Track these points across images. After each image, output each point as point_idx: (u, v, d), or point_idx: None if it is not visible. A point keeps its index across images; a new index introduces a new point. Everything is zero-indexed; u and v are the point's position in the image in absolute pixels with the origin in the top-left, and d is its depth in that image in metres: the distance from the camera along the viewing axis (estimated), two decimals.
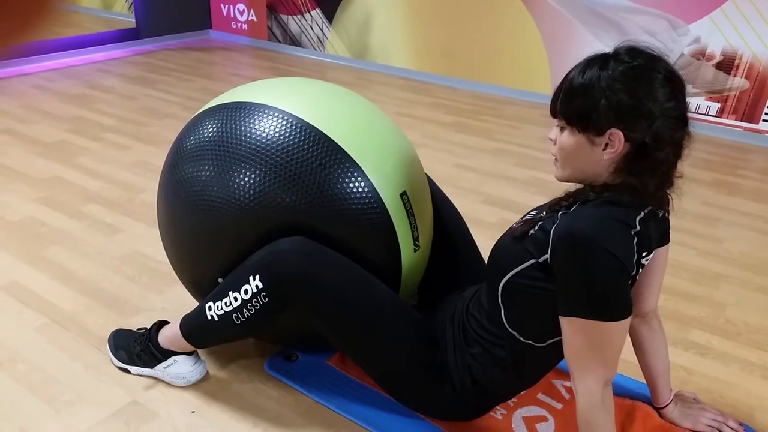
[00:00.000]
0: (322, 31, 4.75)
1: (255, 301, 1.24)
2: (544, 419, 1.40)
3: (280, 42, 5.00)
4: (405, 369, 1.30)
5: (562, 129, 1.12)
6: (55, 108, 3.34)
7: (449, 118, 3.52)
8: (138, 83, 3.88)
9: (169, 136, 3.03)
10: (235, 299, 1.25)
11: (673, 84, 1.05)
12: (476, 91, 4.07)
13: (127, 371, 1.47)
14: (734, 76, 3.26)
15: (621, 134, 1.04)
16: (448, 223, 1.57)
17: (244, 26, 5.13)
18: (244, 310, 1.25)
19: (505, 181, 2.71)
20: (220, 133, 1.34)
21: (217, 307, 1.28)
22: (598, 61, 1.07)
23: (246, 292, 1.24)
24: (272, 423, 1.36)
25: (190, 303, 1.71)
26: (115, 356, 1.48)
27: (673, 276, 1.99)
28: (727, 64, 3.26)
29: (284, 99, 1.37)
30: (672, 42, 3.34)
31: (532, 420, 1.39)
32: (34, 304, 1.71)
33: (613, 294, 1.05)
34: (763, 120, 3.25)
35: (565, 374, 1.50)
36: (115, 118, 3.22)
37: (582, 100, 1.06)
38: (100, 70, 4.12)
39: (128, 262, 1.94)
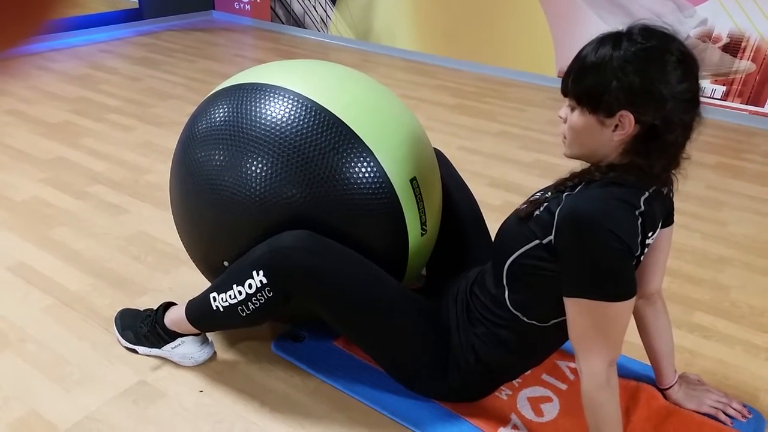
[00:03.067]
0: (325, 11, 4.71)
1: (260, 295, 1.24)
2: (548, 400, 1.41)
3: (283, 23, 4.96)
4: (412, 358, 1.31)
5: (572, 108, 1.10)
6: (58, 89, 3.33)
7: (453, 100, 3.50)
8: (142, 64, 3.86)
9: (174, 117, 3.02)
10: (240, 293, 1.25)
11: (686, 65, 1.04)
12: (481, 74, 4.04)
13: (135, 351, 1.48)
14: (740, 59, 3.23)
15: (631, 116, 1.03)
16: (459, 204, 1.57)
17: (247, 7, 5.09)
18: (249, 303, 1.25)
19: (509, 163, 2.71)
20: (232, 115, 1.34)
21: (222, 298, 1.29)
22: (611, 40, 1.05)
23: (250, 286, 1.24)
24: (279, 403, 1.37)
25: (197, 284, 1.72)
26: (122, 336, 1.49)
27: (677, 259, 1.99)
28: (733, 47, 3.23)
29: (297, 81, 1.36)
30: (678, 24, 3.31)
31: (536, 400, 1.40)
32: (41, 285, 1.72)
33: (617, 275, 1.05)
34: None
35: (570, 356, 1.51)
36: (120, 99, 3.21)
37: (593, 81, 1.04)
38: (103, 51, 4.10)
39: (134, 243, 1.95)
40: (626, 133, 1.05)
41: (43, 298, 1.67)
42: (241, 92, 1.38)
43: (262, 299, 1.24)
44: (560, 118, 1.14)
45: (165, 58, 4.00)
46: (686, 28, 3.30)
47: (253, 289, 1.23)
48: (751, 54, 3.20)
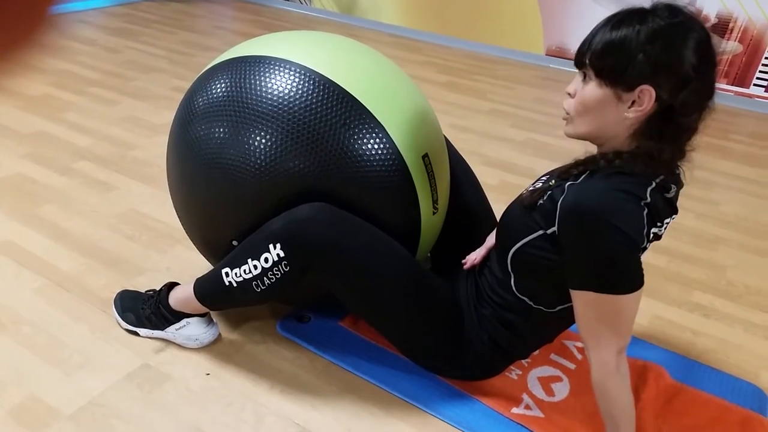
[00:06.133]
0: None
1: (276, 270, 1.20)
2: (558, 379, 1.41)
3: None
4: (427, 334, 1.29)
5: (586, 81, 1.06)
6: (36, 60, 3.18)
7: (443, 77, 3.46)
8: (120, 35, 3.72)
9: (156, 90, 2.92)
10: (255, 267, 1.22)
11: (709, 48, 1.02)
12: (468, 50, 4.00)
13: (136, 333, 1.44)
14: (728, 40, 3.25)
15: (653, 92, 1.00)
16: (463, 183, 1.55)
17: None
18: (264, 278, 1.22)
19: (502, 142, 2.69)
20: (235, 89, 1.28)
21: (236, 273, 1.25)
22: (636, 15, 1.02)
23: (266, 260, 1.20)
24: (289, 384, 1.35)
25: (196, 263, 1.68)
26: (122, 318, 1.44)
27: (673, 239, 2.01)
28: (721, 28, 3.25)
29: (302, 53, 1.31)
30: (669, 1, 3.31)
31: (546, 380, 1.40)
32: (31, 265, 1.66)
33: (622, 268, 1.03)
34: (755, 84, 3.27)
35: (577, 336, 1.51)
36: (100, 72, 3.09)
37: (618, 52, 1.01)
38: (80, 21, 3.94)
39: (126, 221, 1.88)
40: (643, 110, 1.02)
41: (34, 279, 1.61)
42: (243, 65, 1.32)
43: (278, 273, 1.21)
44: (568, 94, 1.11)
45: (143, 29, 3.86)
46: None
47: (270, 263, 1.20)
48: (739, 35, 3.22)
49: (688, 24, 1.00)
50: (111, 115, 2.62)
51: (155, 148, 2.35)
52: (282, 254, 1.19)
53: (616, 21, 1.03)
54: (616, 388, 1.09)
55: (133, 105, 2.74)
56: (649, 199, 1.03)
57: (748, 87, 3.28)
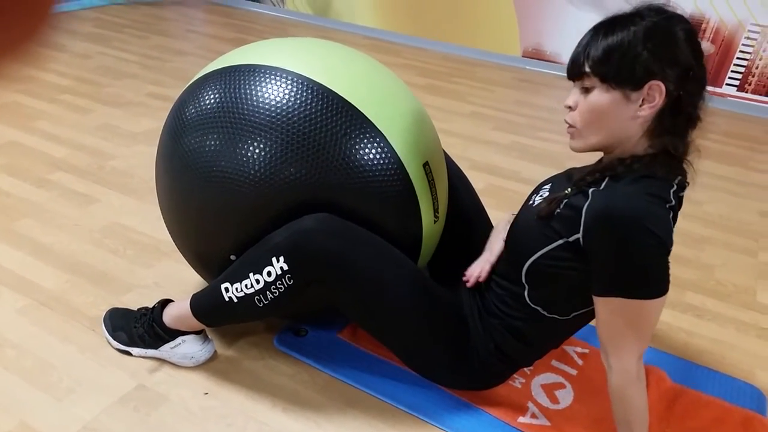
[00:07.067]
0: None
1: (279, 284, 1.17)
2: (562, 386, 1.40)
3: None
4: (433, 345, 1.27)
5: (586, 91, 1.06)
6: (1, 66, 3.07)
7: (422, 80, 3.45)
8: (90, 40, 3.62)
9: (131, 97, 2.85)
10: (257, 281, 1.18)
11: (697, 38, 1.05)
12: (446, 52, 4.00)
13: (128, 353, 1.38)
14: (700, 40, 3.31)
15: (662, 86, 1.00)
16: (460, 191, 1.53)
17: None
18: (267, 292, 1.18)
19: (486, 145, 2.69)
20: (229, 99, 1.24)
21: (236, 288, 1.21)
22: (625, 18, 1.04)
23: (269, 274, 1.17)
24: (290, 401, 1.31)
25: (185, 278, 1.63)
26: (113, 338, 1.39)
27: None
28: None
29: (296, 61, 1.28)
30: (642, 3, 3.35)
31: (550, 387, 1.40)
32: (11, 284, 1.59)
33: (654, 272, 1.03)
34: (727, 84, 3.34)
35: (576, 340, 1.51)
36: (71, 78, 3.00)
37: (621, 54, 1.01)
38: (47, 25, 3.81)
39: (109, 235, 1.82)
40: (655, 106, 1.02)
41: (16, 298, 1.54)
42: (237, 74, 1.29)
43: (282, 287, 1.17)
44: (569, 107, 1.10)
45: (114, 34, 3.76)
46: None
47: (273, 277, 1.17)
48: (711, 35, 3.28)
49: (676, 18, 1.04)
50: (85, 123, 2.53)
51: (135, 158, 2.28)
52: (286, 267, 1.16)
53: (607, 27, 1.05)
54: (636, 395, 1.09)
55: (107, 112, 2.66)
56: (673, 202, 1.04)
57: (720, 86, 3.35)
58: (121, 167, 2.21)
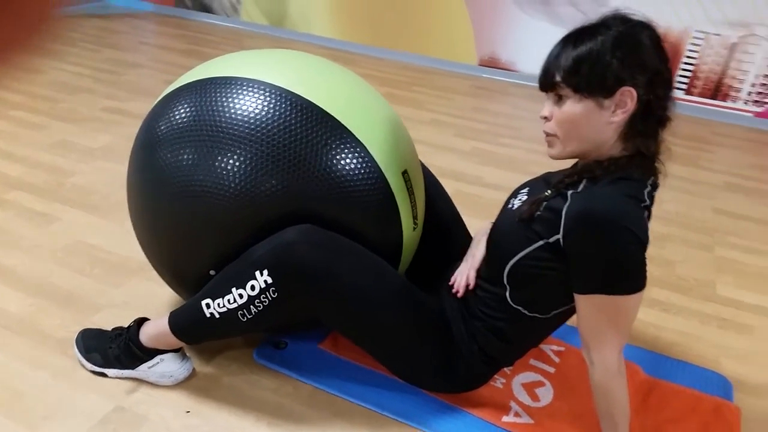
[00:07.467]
0: None
1: (263, 297, 1.16)
2: (541, 384, 1.43)
3: (189, 8, 4.70)
4: (417, 349, 1.28)
5: (560, 101, 1.10)
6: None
7: (382, 89, 3.47)
8: (41, 54, 3.50)
9: (86, 112, 2.77)
10: (240, 296, 1.17)
11: (662, 42, 1.09)
12: (403, 62, 4.04)
13: (104, 375, 1.34)
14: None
15: (633, 91, 1.05)
16: (435, 198, 1.55)
17: None
18: (251, 306, 1.17)
19: (449, 152, 2.73)
20: (206, 112, 1.23)
21: (218, 304, 1.19)
22: (592, 29, 1.08)
23: (253, 288, 1.16)
24: (275, 415, 1.30)
25: (158, 295, 1.60)
26: (87, 359, 1.35)
27: None
28: None
29: (271, 72, 1.27)
30: (593, 13, 3.46)
31: (530, 386, 1.42)
32: None
33: (633, 269, 1.06)
34: (676, 88, 3.48)
35: (552, 340, 1.54)
36: (23, 94, 2.89)
37: (591, 63, 1.05)
38: None
39: (73, 254, 1.76)
40: (628, 111, 1.06)
41: None
42: (212, 87, 1.27)
43: (266, 301, 1.16)
44: (544, 118, 1.14)
45: (66, 48, 3.66)
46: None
47: (256, 291, 1.16)
48: None
49: (641, 25, 1.08)
50: (41, 140, 2.45)
51: (95, 174, 2.22)
52: (270, 280, 1.15)
53: (575, 38, 1.08)
54: (617, 388, 1.12)
55: (63, 128, 2.58)
56: (647, 201, 1.09)
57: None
58: (81, 184, 2.15)
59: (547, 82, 1.12)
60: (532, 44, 3.55)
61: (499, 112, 3.33)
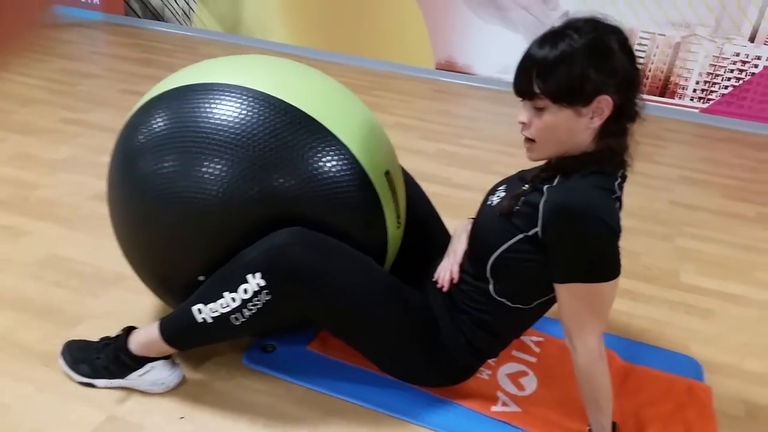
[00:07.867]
0: (187, 3, 4.47)
1: (256, 300, 1.17)
2: (525, 374, 1.49)
3: (139, 17, 4.62)
4: (407, 346, 1.31)
5: (540, 110, 1.13)
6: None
7: None
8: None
9: (43, 123, 2.70)
10: (233, 300, 1.18)
11: (629, 43, 1.13)
12: (362, 66, 4.08)
13: (92, 385, 1.32)
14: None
15: (609, 99, 1.10)
16: (413, 197, 1.59)
17: (96, 0, 4.66)
18: (244, 310, 1.18)
19: (416, 155, 2.77)
20: (187, 119, 1.23)
21: (210, 309, 1.20)
22: (561, 35, 1.10)
23: (245, 291, 1.17)
24: (269, 417, 1.30)
25: (138, 305, 1.59)
26: (74, 371, 1.32)
27: None
28: None
29: (250, 78, 1.28)
30: (544, 16, 3.59)
31: (515, 376, 1.47)
32: None
33: (608, 257, 1.12)
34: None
35: (532, 331, 1.59)
36: None
37: (567, 75, 1.08)
38: None
39: (47, 267, 1.72)
40: (604, 116, 1.12)
41: None
42: (191, 94, 1.28)
43: (258, 303, 1.17)
44: (522, 123, 1.17)
45: (14, 58, 3.54)
46: (551, 20, 3.58)
47: (249, 294, 1.17)
48: None
49: (609, 29, 1.11)
50: None
51: (61, 186, 2.17)
52: (263, 283, 1.16)
53: (549, 46, 1.10)
54: (600, 373, 1.17)
55: (20, 141, 2.51)
56: (618, 193, 1.15)
57: None
58: (48, 197, 2.09)
59: (524, 90, 1.14)
60: (488, 47, 3.65)
61: (460, 114, 3.40)
